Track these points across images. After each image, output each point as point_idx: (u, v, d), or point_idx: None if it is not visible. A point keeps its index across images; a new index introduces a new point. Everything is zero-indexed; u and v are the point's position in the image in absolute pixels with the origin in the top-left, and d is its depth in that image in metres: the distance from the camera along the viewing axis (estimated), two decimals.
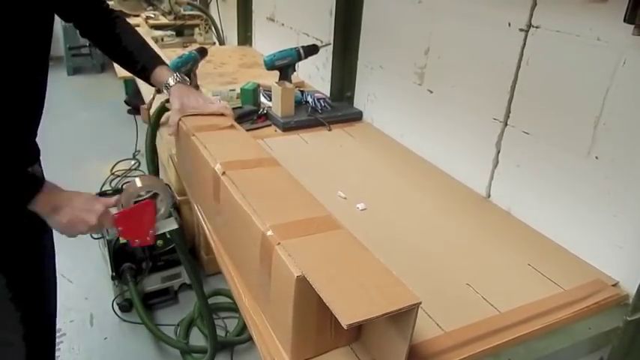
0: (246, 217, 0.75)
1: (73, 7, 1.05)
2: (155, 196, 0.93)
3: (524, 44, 1.00)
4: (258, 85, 1.56)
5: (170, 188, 0.88)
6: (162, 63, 1.11)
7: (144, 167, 3.05)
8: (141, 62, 1.10)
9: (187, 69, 1.40)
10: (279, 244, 0.67)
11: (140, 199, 0.91)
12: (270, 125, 1.47)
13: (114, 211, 0.89)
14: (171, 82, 1.07)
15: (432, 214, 1.06)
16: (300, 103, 1.57)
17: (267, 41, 2.44)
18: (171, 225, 0.97)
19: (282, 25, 2.21)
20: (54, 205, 0.84)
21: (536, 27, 0.97)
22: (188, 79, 1.14)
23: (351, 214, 1.02)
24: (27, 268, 1.05)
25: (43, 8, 0.88)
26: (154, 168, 1.55)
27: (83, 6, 1.07)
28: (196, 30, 2.98)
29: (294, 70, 1.56)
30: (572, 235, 0.95)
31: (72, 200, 0.86)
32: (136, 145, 3.17)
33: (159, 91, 1.28)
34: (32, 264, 1.06)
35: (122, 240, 1.87)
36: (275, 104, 1.48)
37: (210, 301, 1.94)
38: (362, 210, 1.05)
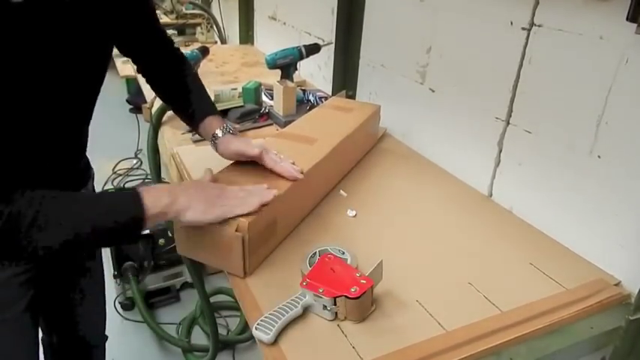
0: None
1: (142, 47, 1.00)
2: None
3: (527, 43, 0.99)
4: (260, 84, 1.55)
5: None
6: (215, 112, 1.03)
7: (145, 166, 3.06)
8: (192, 108, 1.02)
9: None
10: None
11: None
12: (271, 124, 1.47)
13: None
14: (219, 133, 0.97)
15: (434, 213, 1.05)
16: (301, 102, 1.57)
17: (269, 40, 2.44)
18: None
19: (284, 24, 2.21)
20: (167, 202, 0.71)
21: (539, 25, 0.96)
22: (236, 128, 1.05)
23: (355, 211, 1.03)
24: (59, 311, 1.08)
25: (103, 41, 0.82)
26: (156, 167, 1.55)
27: (153, 47, 1.01)
28: (198, 29, 2.98)
29: (296, 69, 1.56)
30: (574, 234, 0.95)
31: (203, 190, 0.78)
32: (138, 143, 3.18)
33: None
34: (65, 309, 1.09)
35: None
36: (277, 103, 1.48)
37: (212, 299, 1.94)
38: (353, 216, 1.05)
